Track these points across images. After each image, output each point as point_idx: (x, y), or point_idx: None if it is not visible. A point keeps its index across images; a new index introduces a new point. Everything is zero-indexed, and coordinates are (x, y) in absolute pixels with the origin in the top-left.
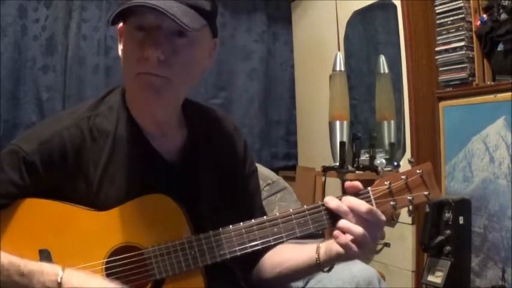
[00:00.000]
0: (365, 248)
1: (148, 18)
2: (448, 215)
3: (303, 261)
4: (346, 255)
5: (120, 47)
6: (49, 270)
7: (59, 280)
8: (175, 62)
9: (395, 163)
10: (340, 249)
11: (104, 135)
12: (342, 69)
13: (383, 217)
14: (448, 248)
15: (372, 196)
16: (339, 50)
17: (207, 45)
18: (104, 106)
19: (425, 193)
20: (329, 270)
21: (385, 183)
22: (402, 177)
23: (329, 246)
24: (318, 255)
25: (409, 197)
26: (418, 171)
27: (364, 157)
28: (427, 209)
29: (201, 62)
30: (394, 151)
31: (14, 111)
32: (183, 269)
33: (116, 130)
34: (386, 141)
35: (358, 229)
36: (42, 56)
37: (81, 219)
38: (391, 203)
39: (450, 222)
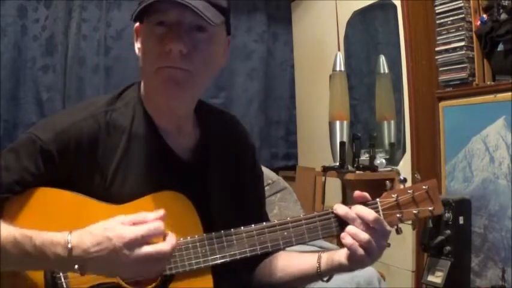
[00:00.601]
0: (371, 255)
1: (170, 14)
2: (448, 215)
3: (304, 269)
4: (350, 264)
5: (137, 45)
6: (58, 238)
7: (69, 246)
8: (196, 56)
9: (402, 177)
10: (342, 260)
11: (120, 130)
12: (342, 69)
13: (389, 227)
14: (448, 248)
15: (380, 207)
16: (339, 50)
17: (223, 42)
18: (120, 102)
19: (430, 208)
20: (328, 280)
21: (393, 196)
22: (409, 191)
23: (331, 257)
24: (319, 265)
25: (414, 211)
26: (424, 186)
27: (364, 157)
28: (430, 225)
29: (218, 58)
30: (394, 151)
31: (14, 111)
32: (193, 267)
33: (132, 126)
34: (386, 141)
35: (364, 235)
36: (42, 56)
37: (93, 211)
38: (397, 215)
39: (450, 222)
